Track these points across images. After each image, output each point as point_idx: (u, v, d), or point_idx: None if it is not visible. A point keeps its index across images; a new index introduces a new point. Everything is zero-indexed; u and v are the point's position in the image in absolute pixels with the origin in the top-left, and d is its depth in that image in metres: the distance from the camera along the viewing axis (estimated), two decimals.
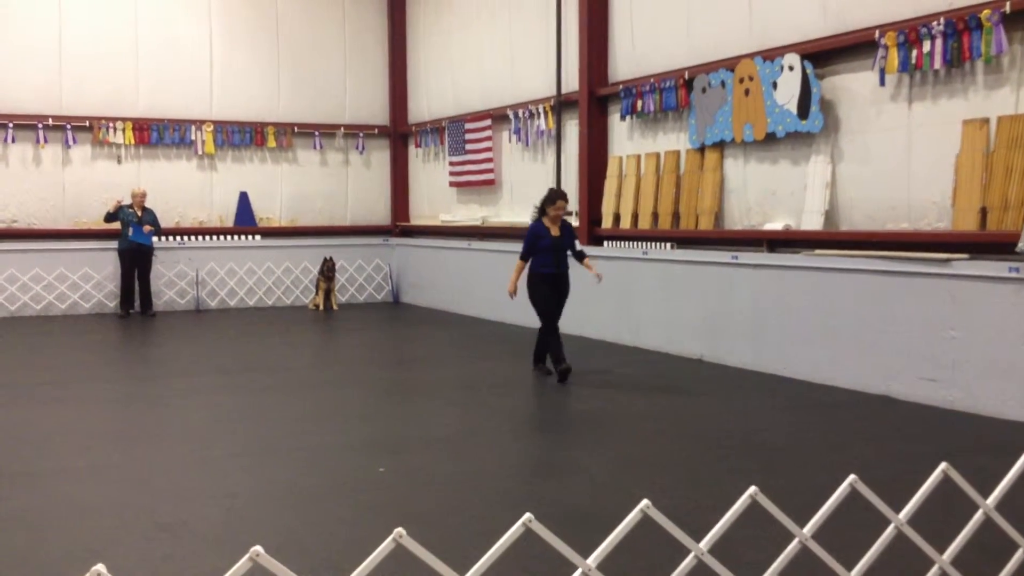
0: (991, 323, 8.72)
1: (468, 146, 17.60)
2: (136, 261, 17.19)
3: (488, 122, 17.01)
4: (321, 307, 18.43)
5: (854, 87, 10.46)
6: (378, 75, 20.34)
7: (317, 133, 19.61)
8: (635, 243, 13.33)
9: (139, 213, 17.06)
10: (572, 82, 14.74)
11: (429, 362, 12.58)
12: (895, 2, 9.94)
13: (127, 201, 17.15)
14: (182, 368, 11.99)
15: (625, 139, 14.00)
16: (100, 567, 2.27)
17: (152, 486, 6.70)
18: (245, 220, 19.03)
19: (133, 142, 18.05)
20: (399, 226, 20.39)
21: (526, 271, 10.91)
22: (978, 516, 3.60)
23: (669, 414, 8.99)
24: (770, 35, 11.44)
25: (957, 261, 9.05)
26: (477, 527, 5.67)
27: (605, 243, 14.02)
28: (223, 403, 9.65)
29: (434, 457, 7.48)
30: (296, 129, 19.40)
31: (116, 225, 17.08)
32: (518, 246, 15.86)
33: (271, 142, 19.13)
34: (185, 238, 18.40)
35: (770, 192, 11.54)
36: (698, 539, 3.09)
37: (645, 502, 2.97)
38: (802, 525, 3.28)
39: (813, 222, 10.80)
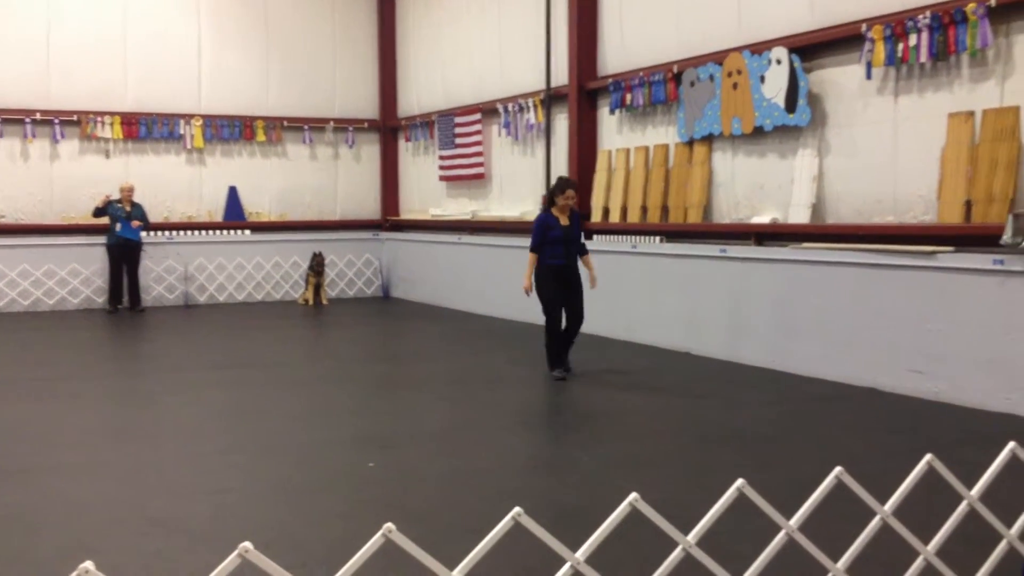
0: (976, 315, 8.77)
1: (458, 140, 17.60)
2: (124, 256, 17.16)
3: (478, 116, 17.01)
4: (311, 302, 18.42)
5: (841, 80, 10.50)
6: (368, 69, 20.31)
7: (307, 127, 19.59)
8: (624, 237, 13.36)
9: (127, 208, 17.02)
10: (561, 76, 14.75)
11: (419, 357, 12.60)
12: None
13: (115, 196, 17.11)
14: (171, 364, 11.98)
15: (614, 133, 14.02)
16: (88, 564, 2.28)
17: (143, 482, 6.71)
18: (234, 215, 19.01)
19: (121, 136, 18.01)
20: (389, 220, 20.38)
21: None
22: (963, 507, 3.63)
23: (657, 408, 9.02)
24: (758, 29, 11.47)
25: (942, 254, 9.10)
26: (467, 522, 5.69)
27: (594, 237, 14.03)
28: (213, 399, 9.65)
29: (424, 452, 7.50)
30: (285, 123, 19.38)
31: (104, 220, 17.04)
32: (508, 240, 16.00)
33: (260, 136, 19.10)
34: (174, 233, 18.35)
35: (758, 185, 11.58)
36: (686, 532, 3.12)
37: (633, 495, 2.99)
38: (789, 517, 3.31)
39: (800, 215, 10.84)
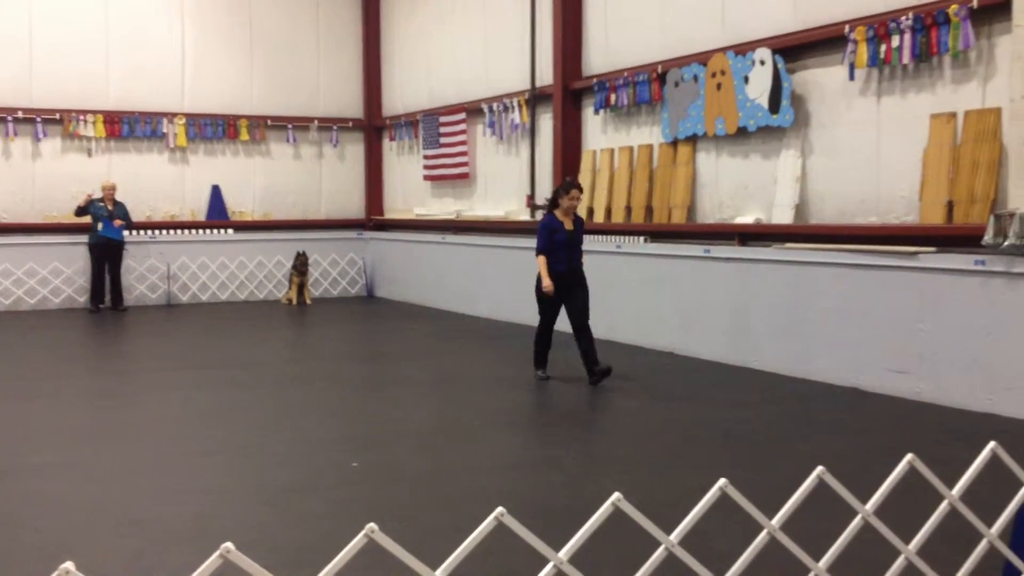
0: (958, 315, 8.81)
1: (442, 140, 17.59)
2: (107, 255, 17.08)
3: (462, 116, 17.01)
4: (294, 301, 18.36)
5: (824, 81, 10.53)
6: (352, 68, 20.28)
7: (290, 126, 19.54)
8: (608, 237, 13.37)
9: (110, 207, 16.94)
10: (546, 76, 14.76)
11: (403, 356, 12.58)
12: None
13: (98, 195, 17.02)
14: (153, 364, 11.93)
15: (599, 133, 14.03)
16: (69, 564, 2.27)
17: (124, 482, 6.67)
18: (217, 214, 18.94)
19: (104, 135, 17.93)
20: (373, 220, 20.35)
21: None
22: (944, 507, 3.64)
23: (640, 408, 9.03)
24: (742, 30, 11.50)
25: (925, 254, 9.14)
26: (450, 522, 5.68)
27: None
28: (195, 399, 9.62)
29: (407, 452, 7.49)
30: (269, 122, 19.32)
31: (86, 219, 16.95)
32: (493, 240, 16.00)
33: (244, 135, 19.04)
34: (156, 232, 18.28)
35: (742, 186, 11.61)
36: (669, 531, 3.12)
37: (616, 495, 2.99)
38: (771, 516, 3.31)
39: (784, 216, 10.88)
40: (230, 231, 18.96)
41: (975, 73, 9.05)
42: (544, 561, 2.95)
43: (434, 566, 2.77)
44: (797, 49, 10.77)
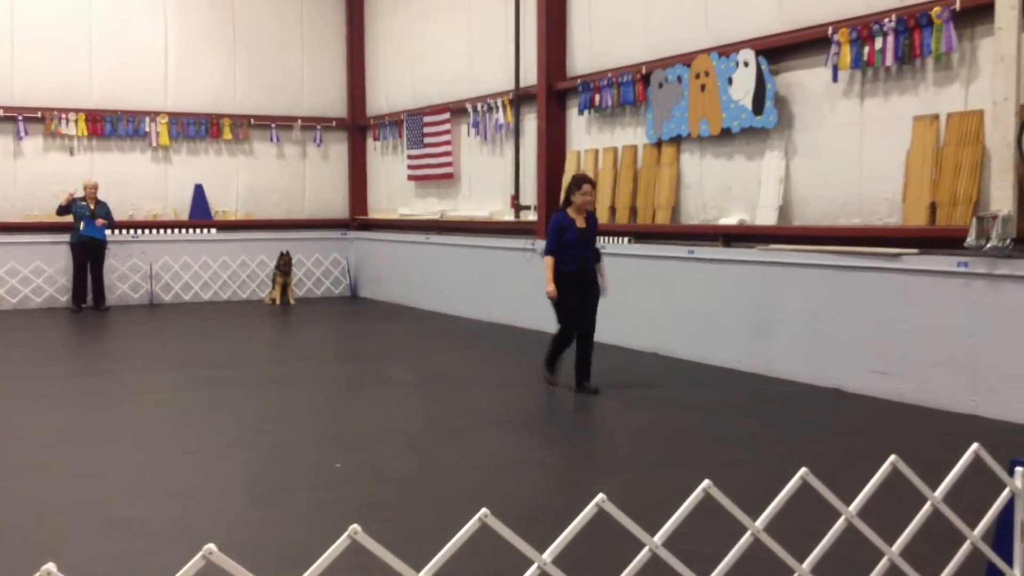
0: (940, 317, 8.85)
1: (426, 139, 17.57)
2: (89, 255, 16.99)
3: (447, 115, 16.99)
4: (278, 301, 18.31)
5: (808, 83, 10.56)
6: (336, 67, 20.23)
7: (274, 125, 19.47)
8: None
9: (92, 206, 16.86)
10: (530, 76, 14.76)
11: (387, 356, 12.56)
12: None
13: (79, 194, 16.93)
14: (136, 364, 11.88)
15: (583, 133, 14.04)
16: (50, 566, 2.25)
17: (105, 483, 6.64)
18: (200, 213, 18.87)
19: (86, 133, 17.83)
20: (357, 220, 20.31)
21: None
22: (927, 508, 3.65)
23: (625, 408, 9.04)
24: (726, 31, 11.52)
25: (907, 256, 9.17)
26: (434, 523, 5.67)
27: None
28: (177, 399, 9.58)
29: (391, 452, 7.47)
30: (252, 121, 19.26)
31: (68, 218, 16.87)
32: (477, 240, 15.99)
33: (227, 134, 18.97)
34: (139, 231, 18.21)
35: (726, 187, 11.63)
36: (653, 532, 3.12)
37: (600, 496, 2.99)
38: (755, 518, 3.31)
39: (767, 217, 10.90)
40: (213, 231, 18.89)
41: (958, 75, 9.09)
42: (528, 562, 2.94)
43: (418, 567, 2.76)
44: (781, 51, 10.80)
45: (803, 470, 3.35)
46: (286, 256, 18.38)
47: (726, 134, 11.43)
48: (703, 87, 11.60)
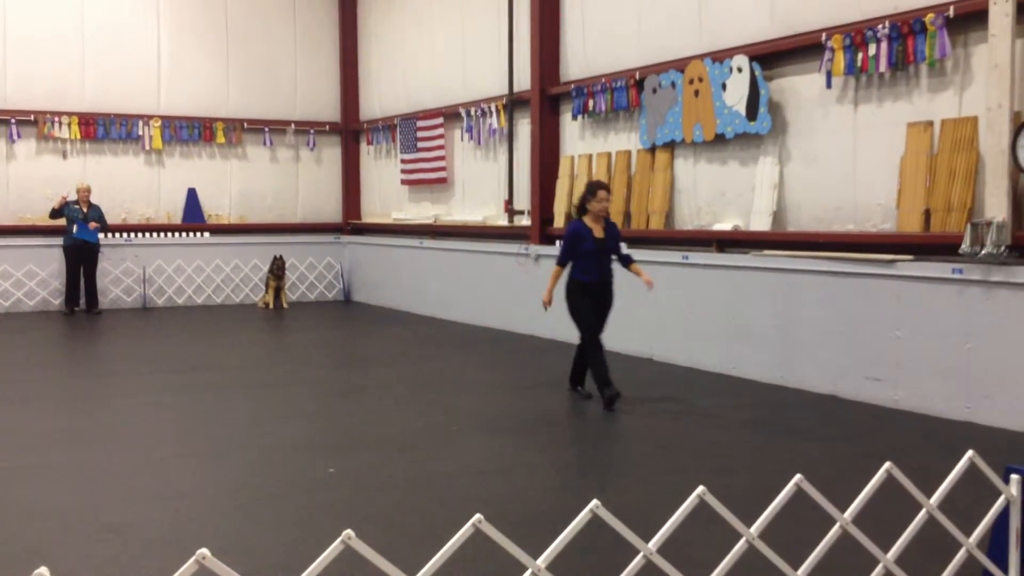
0: (935, 323, 8.85)
1: (420, 144, 17.56)
2: (81, 258, 16.94)
3: (440, 120, 16.98)
4: (271, 306, 18.28)
5: (801, 89, 10.57)
6: (329, 71, 20.22)
7: (267, 129, 19.45)
8: None
9: (84, 209, 16.81)
10: (524, 81, 14.75)
11: (380, 361, 12.53)
12: (841, 5, 10.06)
13: (72, 197, 16.89)
14: (128, 367, 11.84)
15: (577, 139, 14.04)
16: (43, 570, 2.24)
17: (97, 487, 6.61)
18: (193, 217, 18.83)
19: (79, 137, 17.78)
20: (350, 224, 20.29)
21: (564, 278, 9.47)
22: (922, 515, 3.65)
23: (619, 414, 9.01)
24: (719, 37, 11.52)
25: (902, 262, 9.18)
26: (427, 528, 5.66)
27: (557, 243, 14.04)
28: (170, 403, 9.54)
29: (384, 457, 7.45)
30: (246, 125, 19.23)
31: (61, 221, 16.82)
32: (470, 244, 15.98)
33: (220, 138, 18.94)
34: (132, 235, 18.16)
35: (719, 193, 11.63)
36: (647, 539, 3.11)
37: (595, 502, 2.98)
38: (750, 524, 3.31)
39: (761, 223, 10.91)
40: (206, 234, 18.86)
41: (952, 82, 9.10)
42: (522, 568, 2.93)
43: (412, 572, 2.75)
44: (774, 57, 10.81)
45: (798, 477, 3.35)
46: (279, 260, 18.35)
47: (720, 140, 11.43)
48: (697, 93, 11.61)
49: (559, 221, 13.99)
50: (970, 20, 8.82)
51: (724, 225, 11.46)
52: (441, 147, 17.07)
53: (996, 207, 8.35)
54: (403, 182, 18.36)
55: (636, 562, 3.10)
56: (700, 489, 3.17)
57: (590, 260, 9.21)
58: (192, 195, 18.84)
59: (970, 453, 3.71)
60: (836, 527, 3.47)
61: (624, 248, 9.68)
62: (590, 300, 9.26)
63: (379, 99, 19.43)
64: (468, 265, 15.95)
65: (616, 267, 9.56)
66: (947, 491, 3.70)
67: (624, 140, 13.12)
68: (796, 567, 3.41)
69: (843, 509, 3.47)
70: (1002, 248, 8.23)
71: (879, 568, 3.61)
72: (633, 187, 12.83)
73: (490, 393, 10.20)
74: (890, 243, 9.47)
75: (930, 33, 9.02)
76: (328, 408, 9.63)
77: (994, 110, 8.39)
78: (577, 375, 9.78)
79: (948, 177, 8.97)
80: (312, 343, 14.43)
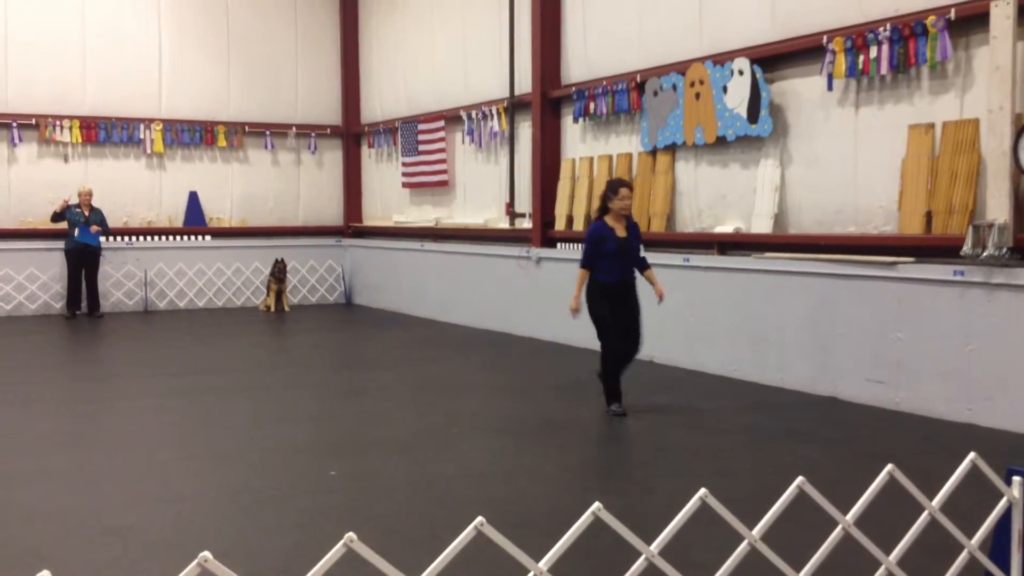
0: (936, 325, 8.85)
1: (421, 147, 17.56)
2: (83, 261, 16.95)
3: (441, 123, 16.99)
4: (272, 308, 18.28)
5: (802, 91, 10.57)
6: (330, 74, 20.23)
7: (268, 132, 19.46)
8: None
9: (86, 213, 16.82)
10: (525, 84, 14.76)
11: (381, 364, 12.53)
12: (842, 8, 10.07)
13: (74, 200, 16.90)
14: (130, 370, 11.85)
15: (578, 141, 14.04)
16: (45, 573, 2.24)
17: (99, 490, 6.61)
18: (195, 220, 18.84)
19: (80, 140, 17.80)
20: (352, 227, 20.30)
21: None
22: (924, 517, 3.65)
23: (620, 417, 9.00)
24: (720, 40, 11.53)
25: (903, 264, 9.17)
26: (429, 530, 5.66)
27: (558, 245, 14.06)
28: (171, 406, 9.54)
29: (386, 460, 7.45)
30: (247, 128, 19.23)
31: (63, 225, 16.83)
32: (472, 247, 15.98)
33: (221, 141, 18.95)
34: (133, 238, 18.17)
35: (721, 195, 11.63)
36: (649, 541, 3.11)
37: (596, 505, 2.98)
38: (752, 526, 3.30)
39: (763, 225, 10.90)
40: (207, 237, 18.86)
41: (953, 84, 9.10)
42: (524, 570, 2.93)
43: (413, 575, 2.75)
44: (775, 59, 10.81)
45: (800, 479, 3.34)
46: (281, 263, 18.36)
47: (721, 142, 11.43)
48: (698, 95, 11.61)
49: (560, 224, 13.98)
50: (971, 22, 8.82)
51: (725, 228, 11.46)
52: (442, 150, 17.07)
53: (997, 209, 8.35)
54: (404, 185, 18.36)
55: (638, 565, 3.09)
56: (702, 491, 3.17)
57: (612, 261, 8.88)
58: (193, 198, 18.84)
59: (972, 455, 3.71)
60: (838, 529, 3.46)
61: (642, 251, 9.34)
62: (611, 303, 8.90)
63: (380, 102, 19.43)
64: (469, 268, 15.95)
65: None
66: (949, 493, 3.70)
67: (625, 143, 13.12)
68: (798, 569, 3.40)
69: (845, 511, 3.47)
70: (1003, 250, 8.23)
71: (881, 570, 3.60)
72: (634, 190, 12.81)
73: (491, 396, 10.20)
74: (891, 245, 9.46)
75: (931, 35, 9.02)
76: (329, 411, 9.63)
77: (995, 112, 8.39)
78: (612, 391, 9.10)
79: (949, 179, 8.97)
80: (313, 346, 14.43)
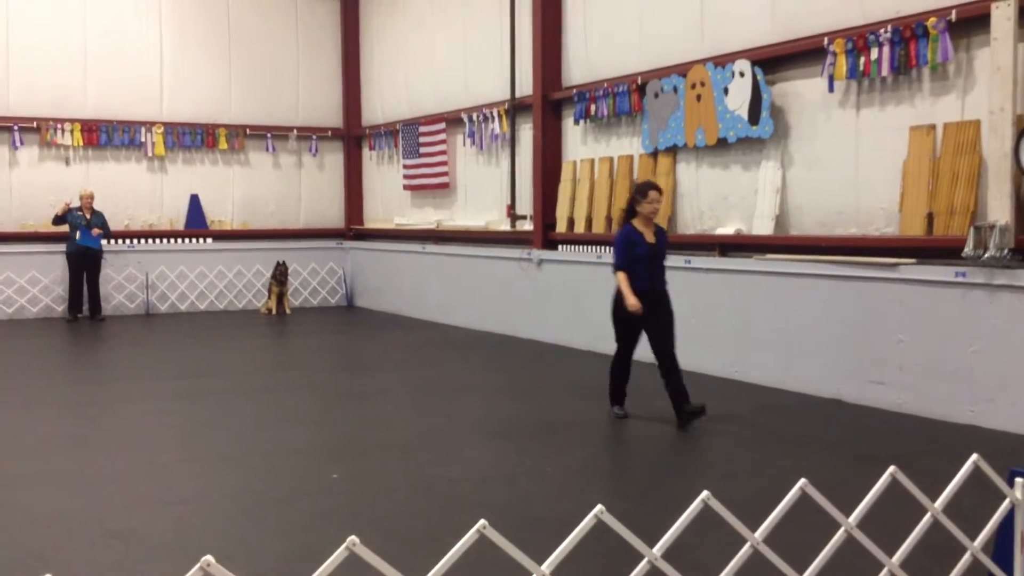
0: (938, 327, 8.84)
1: (422, 149, 17.56)
2: (84, 264, 16.96)
3: (442, 125, 16.99)
4: (274, 311, 18.28)
5: (804, 93, 10.57)
6: (332, 77, 20.24)
7: (269, 135, 19.46)
8: (589, 247, 13.37)
9: (87, 216, 16.83)
10: (526, 86, 14.76)
11: (383, 366, 12.53)
12: (843, 10, 10.07)
13: (75, 203, 16.90)
14: (131, 373, 11.85)
15: (579, 143, 14.04)
16: None
17: (101, 493, 6.61)
18: (196, 223, 18.84)
19: (81, 143, 17.81)
20: (353, 229, 20.30)
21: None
22: (927, 519, 3.64)
23: (622, 419, 9.00)
24: (721, 41, 11.53)
25: (905, 266, 9.17)
26: (431, 533, 5.65)
27: (559, 247, 14.05)
28: (173, 408, 9.54)
29: (387, 462, 7.45)
30: (248, 131, 19.24)
31: (64, 228, 16.84)
32: (473, 250, 15.97)
33: (222, 144, 18.95)
34: (135, 241, 18.17)
35: (722, 197, 11.63)
36: (652, 544, 3.11)
37: (599, 507, 2.97)
38: (754, 529, 3.30)
39: (764, 227, 10.90)
40: (209, 240, 18.87)
41: (954, 86, 9.10)
42: (527, 573, 2.93)
43: None
44: (776, 61, 10.81)
45: (802, 481, 3.34)
46: (282, 266, 18.36)
47: (722, 144, 11.43)
48: (699, 97, 11.61)
49: (562, 226, 13.98)
50: (972, 24, 8.82)
51: (727, 229, 11.46)
52: (443, 152, 17.08)
53: (999, 210, 8.35)
54: (405, 187, 18.37)
55: (640, 567, 3.09)
56: (704, 494, 3.16)
57: (642, 267, 8.58)
58: (195, 201, 18.85)
59: (974, 456, 3.70)
60: (841, 531, 3.46)
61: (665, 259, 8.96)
62: (642, 314, 8.56)
63: (381, 104, 19.44)
64: (470, 270, 15.95)
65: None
66: (951, 495, 3.70)
67: (626, 145, 13.12)
68: (801, 571, 3.40)
69: (848, 513, 3.47)
70: (1005, 251, 8.23)
71: (884, 572, 3.60)
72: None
73: (492, 398, 10.20)
74: (893, 247, 9.46)
75: (932, 37, 9.02)
76: (331, 413, 9.62)
77: (996, 114, 8.39)
78: (617, 393, 9.07)
79: (951, 181, 8.97)
80: (315, 348, 14.43)
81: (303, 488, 6.70)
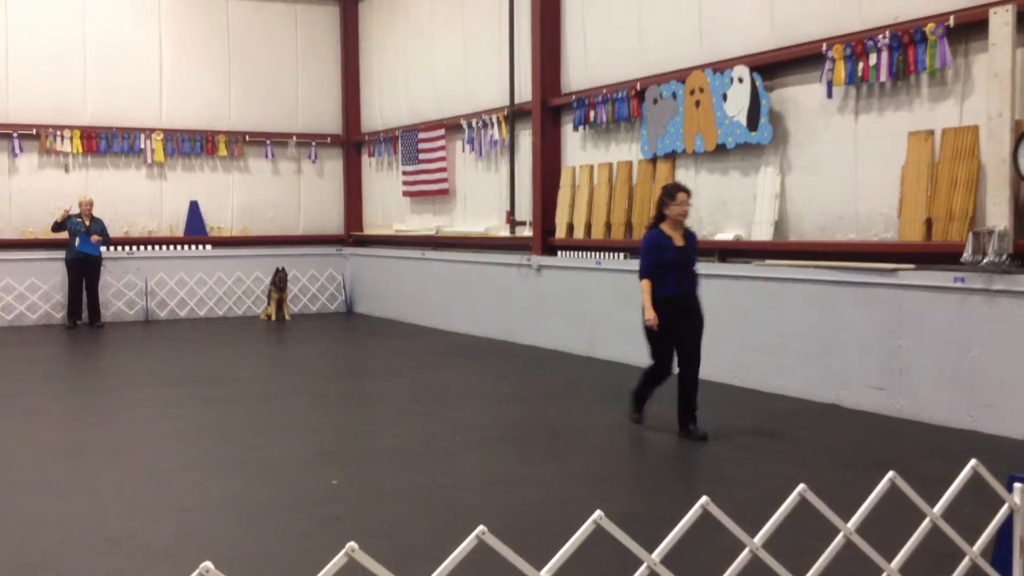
0: (937, 332, 8.85)
1: (421, 155, 17.57)
2: (84, 271, 16.96)
3: (441, 131, 17.00)
4: (273, 318, 18.28)
5: (802, 99, 10.58)
6: (331, 83, 20.25)
7: (269, 142, 19.47)
8: (588, 253, 13.38)
9: (87, 222, 16.83)
10: (525, 92, 14.78)
11: (383, 373, 12.53)
12: (842, 15, 10.08)
13: (75, 210, 16.91)
14: (131, 380, 11.84)
15: (578, 149, 14.05)
16: None
17: (101, 500, 6.61)
18: (195, 229, 18.85)
19: (81, 150, 17.81)
20: (352, 235, 20.30)
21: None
22: (925, 524, 3.65)
23: (621, 424, 9.01)
24: (720, 48, 11.54)
25: (904, 271, 9.18)
26: (431, 539, 5.65)
27: (559, 253, 14.06)
28: (173, 415, 9.54)
29: (387, 469, 7.45)
30: (247, 137, 19.25)
31: (64, 235, 16.84)
32: (472, 256, 15.98)
33: (222, 151, 18.96)
34: (134, 248, 18.18)
35: (721, 202, 11.64)
36: (651, 549, 3.11)
37: (598, 513, 2.98)
38: (753, 534, 3.30)
39: (763, 232, 10.91)
40: (208, 247, 18.87)
41: (952, 91, 9.11)
42: None
43: None
44: (775, 67, 10.82)
45: (801, 486, 3.35)
46: (282, 272, 18.36)
47: (721, 150, 11.44)
48: (698, 103, 11.62)
49: (561, 232, 13.99)
50: (970, 29, 8.84)
51: (726, 235, 11.47)
52: (443, 158, 17.09)
53: (998, 216, 8.36)
54: (405, 193, 18.37)
55: (639, 573, 3.09)
56: (703, 499, 3.17)
57: (672, 272, 8.32)
58: (194, 208, 18.86)
59: (973, 462, 3.71)
60: (840, 536, 3.46)
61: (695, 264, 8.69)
62: (671, 319, 8.32)
63: (380, 111, 19.46)
64: (470, 276, 15.95)
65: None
66: (950, 500, 3.70)
67: (625, 151, 13.13)
68: None
69: (846, 518, 3.47)
70: (1004, 257, 8.23)
71: None
72: (635, 198, 12.84)
73: (492, 404, 10.20)
74: (892, 252, 9.47)
75: (930, 43, 9.04)
76: (331, 420, 9.62)
77: (995, 119, 8.40)
78: (640, 398, 8.89)
79: (949, 186, 8.98)
80: (314, 355, 14.43)
81: (303, 495, 6.70)
